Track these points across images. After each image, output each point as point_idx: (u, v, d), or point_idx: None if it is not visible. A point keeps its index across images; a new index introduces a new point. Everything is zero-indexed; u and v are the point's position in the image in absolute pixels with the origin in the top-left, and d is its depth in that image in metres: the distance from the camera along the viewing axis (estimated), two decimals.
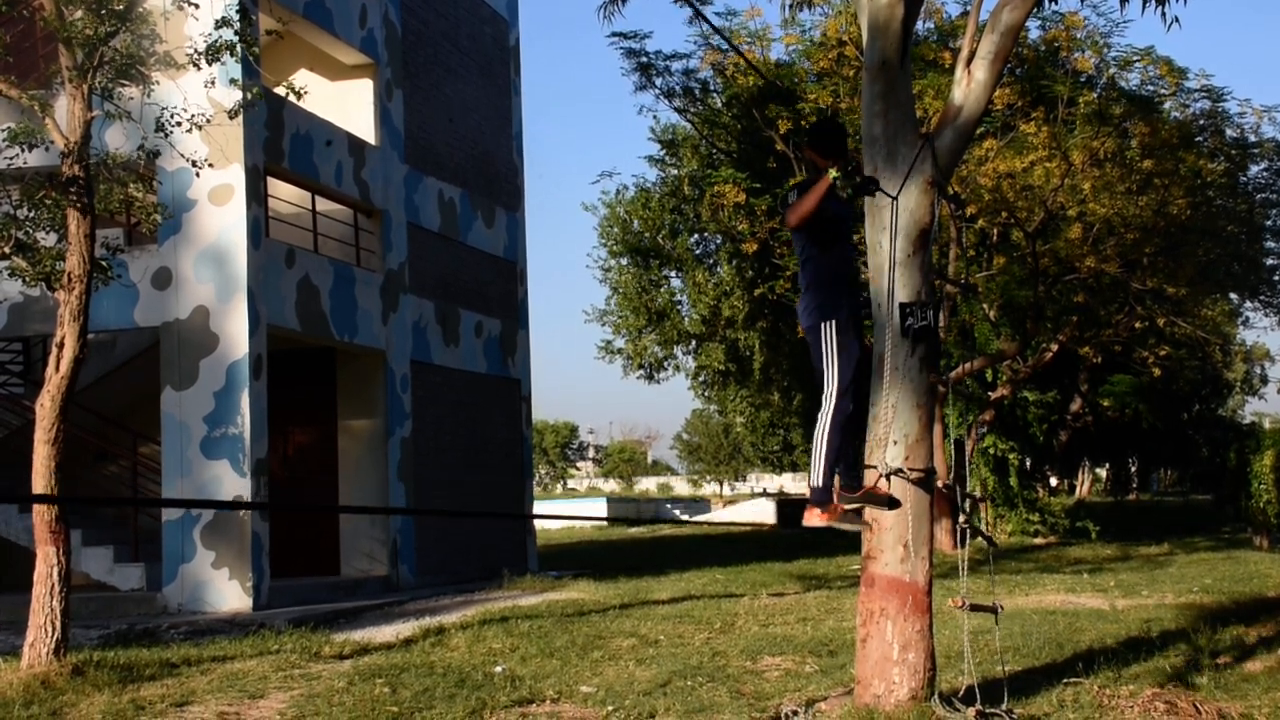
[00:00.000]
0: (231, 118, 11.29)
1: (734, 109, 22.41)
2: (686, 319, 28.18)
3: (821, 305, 6.83)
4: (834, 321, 6.77)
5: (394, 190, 18.66)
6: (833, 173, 6.62)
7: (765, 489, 77.97)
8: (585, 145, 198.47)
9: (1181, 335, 24.72)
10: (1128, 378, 28.88)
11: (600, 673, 9.18)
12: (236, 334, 15.09)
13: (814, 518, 6.70)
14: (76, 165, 9.84)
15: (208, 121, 11.52)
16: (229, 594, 14.72)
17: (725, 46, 20.26)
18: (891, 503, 6.97)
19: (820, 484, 6.63)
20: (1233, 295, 27.30)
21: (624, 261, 29.00)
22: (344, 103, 18.37)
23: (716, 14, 21.11)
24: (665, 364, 29.84)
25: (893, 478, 7.15)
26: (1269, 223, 24.19)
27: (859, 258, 7.20)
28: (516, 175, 22.68)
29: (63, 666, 9.25)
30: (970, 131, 7.57)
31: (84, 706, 8.34)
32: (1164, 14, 9.13)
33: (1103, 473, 64.90)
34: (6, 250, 10.24)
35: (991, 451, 25.72)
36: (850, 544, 18.62)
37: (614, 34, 21.51)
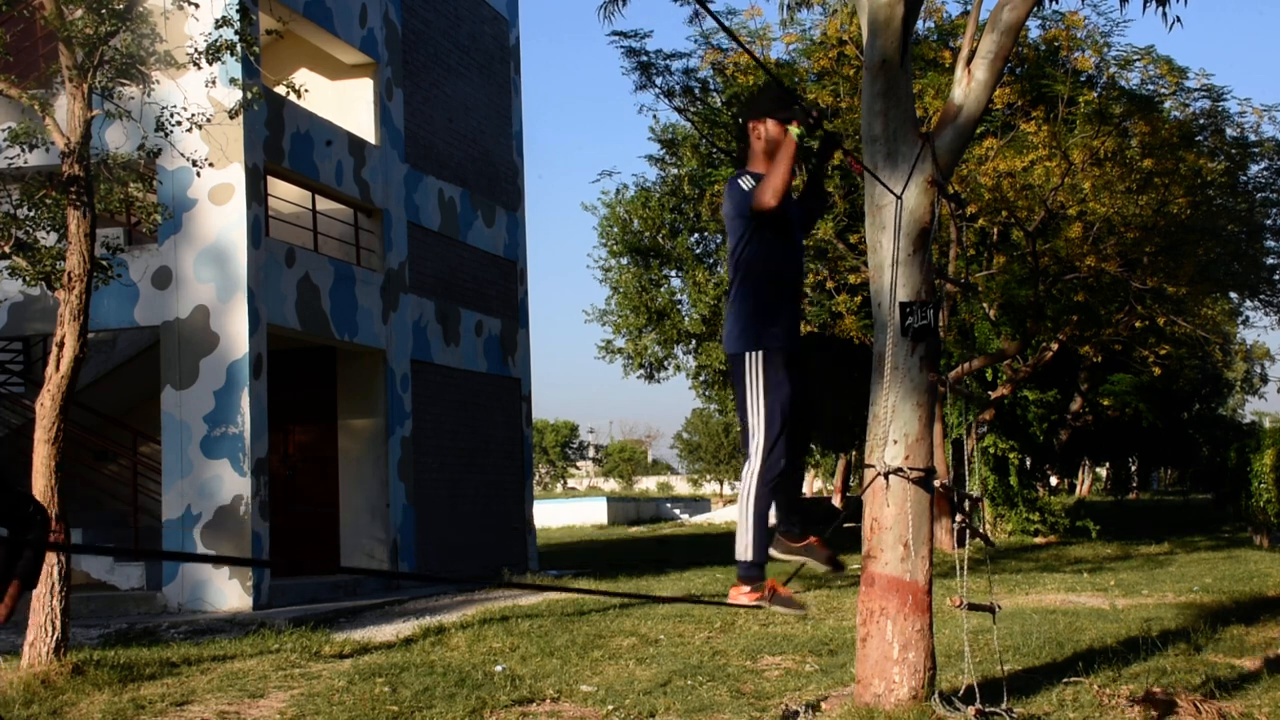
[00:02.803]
0: (231, 117, 11.29)
1: (734, 108, 22.41)
2: (686, 318, 28.19)
3: (749, 329, 5.64)
4: (761, 353, 5.60)
5: (394, 189, 18.66)
6: (794, 130, 5.52)
7: None
8: (585, 145, 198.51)
9: (1181, 334, 24.72)
10: (1128, 377, 28.89)
11: (600, 672, 9.19)
12: (237, 333, 15.10)
13: (740, 595, 5.71)
14: (76, 164, 9.84)
15: (208, 121, 11.53)
16: (229, 593, 14.73)
17: (725, 45, 20.27)
18: (833, 563, 6.12)
19: (750, 558, 5.62)
20: (1233, 294, 27.33)
21: (624, 261, 29.01)
22: (344, 102, 18.38)
23: (716, 13, 21.12)
24: (665, 363, 29.86)
25: (892, 476, 7.15)
26: (1269, 222, 24.21)
27: (805, 269, 6.24)
28: (516, 175, 22.68)
29: (63, 666, 9.25)
30: (970, 130, 7.56)
31: (84, 705, 8.35)
32: (1165, 14, 9.13)
33: (1103, 472, 64.97)
34: (6, 249, 10.25)
35: (991, 451, 25.72)
36: (850, 544, 18.60)
37: (614, 33, 21.53)
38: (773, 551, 5.83)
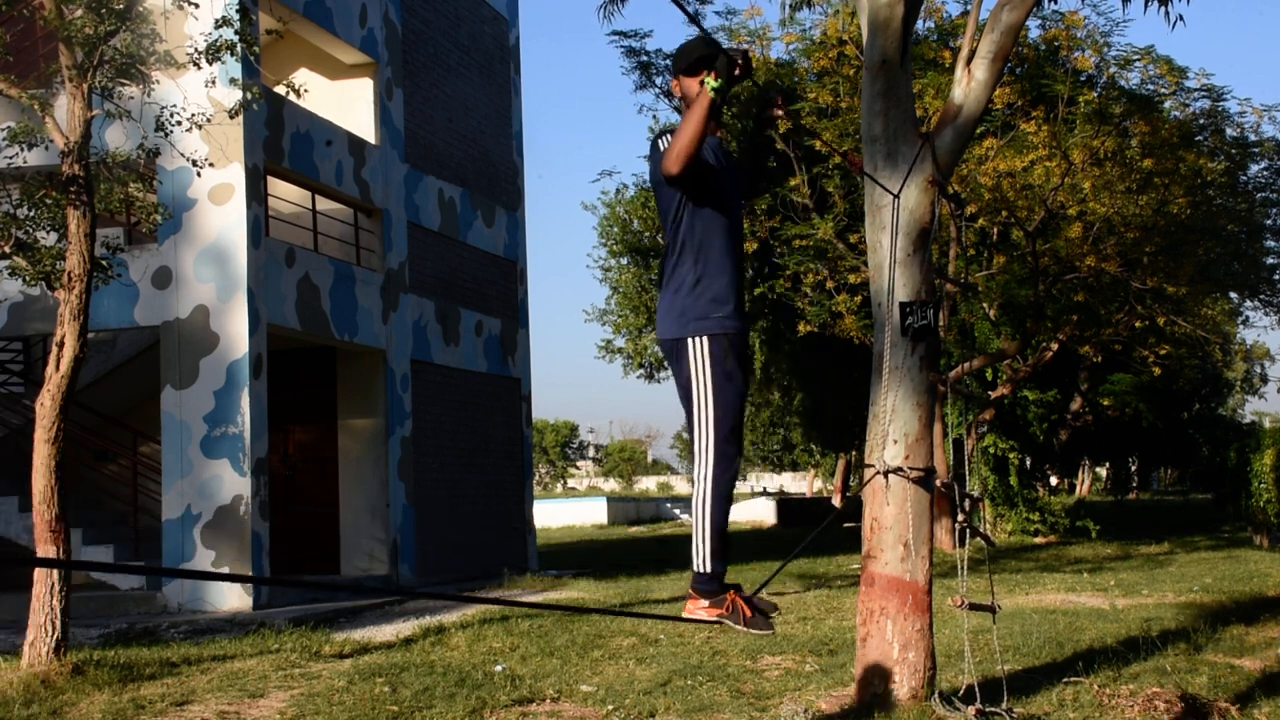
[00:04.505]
0: (231, 117, 11.29)
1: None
2: None
3: (691, 309, 4.77)
4: (706, 338, 4.74)
5: (394, 189, 18.66)
6: (710, 82, 4.60)
7: (765, 488, 77.97)
8: (585, 145, 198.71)
9: (1181, 334, 24.71)
10: (1128, 377, 28.87)
11: (600, 672, 9.19)
12: (237, 333, 15.10)
13: (699, 610, 4.90)
14: (76, 164, 9.84)
15: (208, 121, 11.54)
16: (229, 593, 14.73)
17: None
18: (756, 623, 5.00)
19: (708, 568, 4.84)
20: (1233, 294, 27.32)
21: (624, 261, 29.02)
22: (344, 102, 18.39)
23: (716, 13, 21.13)
24: (665, 363, 29.86)
25: (892, 476, 7.15)
26: (1269, 222, 24.19)
27: (743, 240, 4.92)
28: (516, 175, 22.68)
29: (63, 665, 9.25)
30: (970, 130, 7.57)
31: (84, 705, 8.34)
32: (1167, 13, 9.15)
33: (1103, 472, 64.94)
34: (6, 249, 10.25)
35: (991, 450, 25.72)
36: (850, 544, 18.57)
37: (614, 33, 21.50)
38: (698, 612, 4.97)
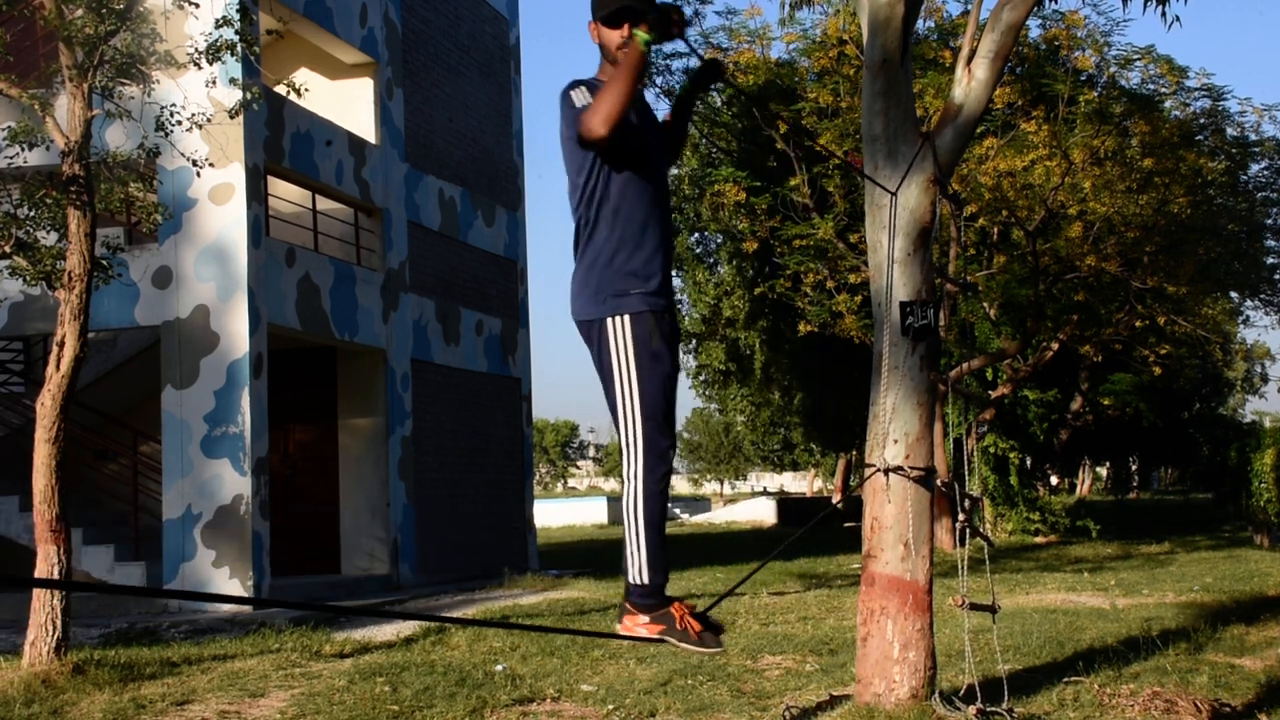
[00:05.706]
0: (232, 117, 11.29)
1: (734, 107, 22.41)
2: (687, 318, 28.18)
3: (608, 286, 4.26)
4: (628, 316, 4.24)
5: (394, 189, 18.66)
6: (641, 35, 4.11)
7: (765, 488, 77.96)
8: None
9: (1182, 334, 24.73)
10: (1128, 376, 28.89)
11: (601, 671, 9.18)
12: (237, 333, 15.10)
13: (638, 627, 4.33)
14: (77, 164, 9.84)
15: (208, 120, 11.53)
16: (229, 592, 14.72)
17: (725, 45, 20.26)
18: (706, 637, 4.39)
19: (645, 579, 4.34)
20: (1233, 294, 27.34)
21: None
22: (344, 102, 18.39)
23: (716, 13, 21.09)
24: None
25: (892, 475, 7.15)
26: (1269, 221, 24.22)
27: (670, 204, 4.49)
28: (516, 174, 22.68)
29: (63, 665, 9.25)
30: (970, 130, 7.56)
31: (85, 705, 8.35)
32: (1164, 13, 9.15)
33: (1103, 471, 64.96)
34: (7, 249, 10.25)
35: (992, 450, 25.72)
36: (851, 543, 18.57)
37: None
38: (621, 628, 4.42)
